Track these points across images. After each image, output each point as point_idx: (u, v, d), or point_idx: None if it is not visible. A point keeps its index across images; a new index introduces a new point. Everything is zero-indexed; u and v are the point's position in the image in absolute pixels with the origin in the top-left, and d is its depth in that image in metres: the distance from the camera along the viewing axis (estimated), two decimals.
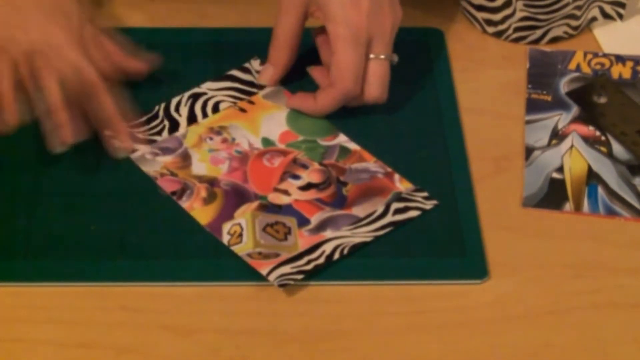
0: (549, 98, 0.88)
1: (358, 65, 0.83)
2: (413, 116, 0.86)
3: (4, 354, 0.70)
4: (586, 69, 0.91)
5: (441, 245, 0.77)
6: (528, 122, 0.86)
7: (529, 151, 0.84)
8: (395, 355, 0.71)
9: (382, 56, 0.84)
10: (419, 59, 0.90)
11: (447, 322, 0.73)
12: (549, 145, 0.85)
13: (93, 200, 0.79)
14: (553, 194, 0.81)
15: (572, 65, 0.91)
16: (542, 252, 0.78)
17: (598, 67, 0.91)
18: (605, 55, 0.92)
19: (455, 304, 0.74)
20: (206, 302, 0.74)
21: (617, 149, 0.84)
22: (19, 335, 0.71)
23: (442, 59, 0.90)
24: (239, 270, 0.75)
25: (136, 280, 0.74)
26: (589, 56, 0.92)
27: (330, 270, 0.75)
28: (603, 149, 0.84)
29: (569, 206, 0.80)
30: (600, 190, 0.81)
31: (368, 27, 0.83)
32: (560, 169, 0.83)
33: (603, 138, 0.85)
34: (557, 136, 0.85)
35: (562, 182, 0.82)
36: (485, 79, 0.90)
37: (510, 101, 0.88)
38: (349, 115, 0.85)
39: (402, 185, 0.80)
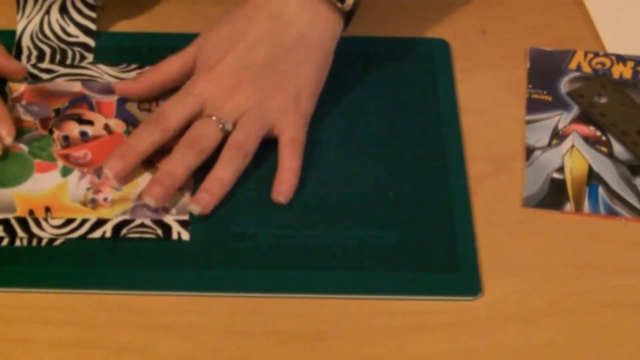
0: (549, 98, 0.88)
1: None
2: (412, 117, 0.86)
3: (3, 354, 0.70)
4: (587, 69, 0.91)
5: (434, 259, 0.77)
6: (528, 122, 0.86)
7: (529, 151, 0.84)
8: (394, 356, 0.71)
9: (214, 118, 0.81)
10: (422, 65, 0.90)
11: (446, 322, 0.73)
12: (549, 145, 0.85)
13: None
14: (553, 194, 0.81)
15: (573, 65, 0.91)
16: (542, 252, 0.78)
17: (599, 66, 0.91)
18: (606, 55, 0.92)
19: (454, 304, 0.74)
20: (206, 302, 0.74)
21: (618, 149, 0.84)
22: (18, 336, 0.71)
23: (445, 64, 0.90)
24: (233, 280, 0.75)
25: (127, 289, 0.74)
26: (590, 56, 0.92)
27: (319, 283, 0.75)
28: (604, 149, 0.84)
29: (569, 206, 0.80)
30: (601, 191, 0.81)
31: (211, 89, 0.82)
32: (560, 169, 0.83)
33: (604, 138, 0.85)
34: (558, 136, 0.85)
35: (562, 182, 0.82)
36: (485, 79, 0.90)
37: (510, 101, 0.88)
38: (345, 114, 0.85)
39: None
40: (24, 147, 0.82)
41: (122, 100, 0.86)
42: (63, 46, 0.89)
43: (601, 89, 0.88)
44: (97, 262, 0.75)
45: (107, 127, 0.83)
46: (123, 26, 0.93)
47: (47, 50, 0.89)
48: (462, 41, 0.93)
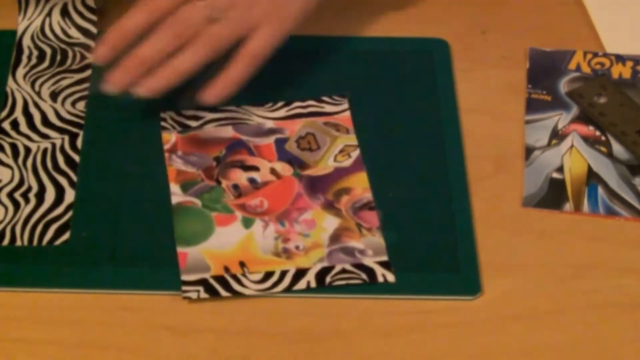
0: (548, 98, 0.88)
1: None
2: (412, 117, 0.86)
3: (3, 353, 0.70)
4: (586, 69, 0.91)
5: (434, 259, 0.76)
6: (528, 122, 0.86)
7: (528, 151, 0.84)
8: (394, 356, 0.71)
9: (204, 3, 0.80)
10: (422, 65, 0.90)
11: (446, 322, 0.73)
12: (549, 145, 0.85)
13: (86, 206, 0.79)
14: (553, 194, 0.81)
15: (572, 65, 0.91)
16: (542, 252, 0.78)
17: (598, 67, 0.91)
18: (605, 55, 0.92)
19: (454, 304, 0.74)
20: (206, 302, 0.74)
21: (617, 149, 0.84)
22: (18, 336, 0.71)
23: (445, 64, 0.90)
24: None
25: (127, 289, 0.74)
26: (589, 56, 0.92)
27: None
28: (603, 149, 0.84)
29: (569, 206, 0.80)
30: (600, 190, 0.81)
31: None
32: (560, 169, 0.83)
33: (603, 138, 0.85)
34: (557, 136, 0.85)
35: (562, 182, 0.82)
36: (485, 79, 0.90)
37: (510, 101, 0.88)
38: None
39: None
40: (196, 201, 0.79)
41: (280, 142, 0.83)
42: (63, 46, 0.89)
43: (600, 89, 0.88)
44: (97, 262, 0.75)
45: (274, 172, 0.80)
46: None
47: (48, 50, 0.89)
48: (462, 41, 0.93)
